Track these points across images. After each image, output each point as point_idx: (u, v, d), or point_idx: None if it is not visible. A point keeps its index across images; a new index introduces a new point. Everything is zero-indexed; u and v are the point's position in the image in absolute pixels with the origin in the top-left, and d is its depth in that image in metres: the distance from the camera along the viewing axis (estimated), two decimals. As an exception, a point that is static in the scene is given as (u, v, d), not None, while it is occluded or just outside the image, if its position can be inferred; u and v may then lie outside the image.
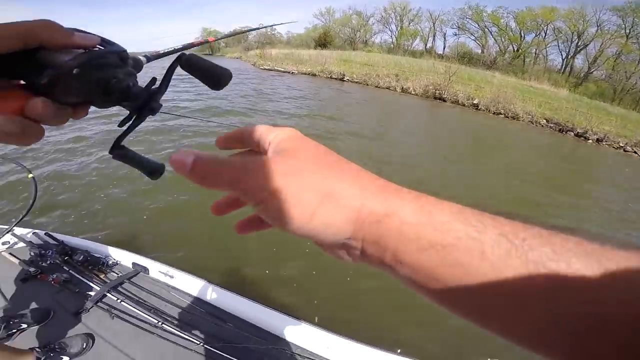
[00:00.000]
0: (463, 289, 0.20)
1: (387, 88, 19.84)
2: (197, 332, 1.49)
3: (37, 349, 1.36)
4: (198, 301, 1.69)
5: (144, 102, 0.32)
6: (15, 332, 1.46)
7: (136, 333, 1.50)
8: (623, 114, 17.59)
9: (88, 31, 0.30)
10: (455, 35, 40.65)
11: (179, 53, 0.36)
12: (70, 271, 1.72)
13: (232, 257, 2.98)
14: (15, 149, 4.60)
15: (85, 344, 1.43)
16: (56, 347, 1.39)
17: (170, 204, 3.79)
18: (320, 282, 2.79)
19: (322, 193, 0.22)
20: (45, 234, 1.94)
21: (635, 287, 0.17)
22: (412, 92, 18.72)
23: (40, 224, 3.16)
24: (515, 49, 36.41)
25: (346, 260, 0.26)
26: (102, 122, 6.60)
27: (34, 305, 1.59)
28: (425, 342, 2.25)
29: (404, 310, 2.39)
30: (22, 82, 0.27)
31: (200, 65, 0.35)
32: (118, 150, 0.33)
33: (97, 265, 1.79)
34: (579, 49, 32.38)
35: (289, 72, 23.26)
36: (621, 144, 12.96)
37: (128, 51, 0.33)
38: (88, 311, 1.57)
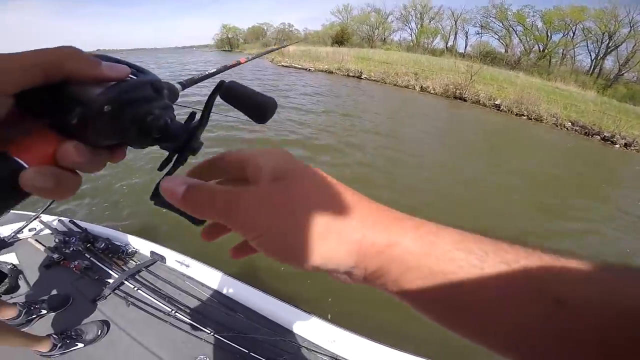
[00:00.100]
0: (464, 314, 0.21)
1: (405, 87, 19.54)
2: (208, 322, 1.53)
3: (54, 335, 1.41)
4: (211, 291, 1.74)
5: (184, 142, 0.29)
6: (34, 318, 1.53)
7: (150, 321, 1.55)
8: (655, 118, 16.69)
9: (116, 57, 0.27)
10: (478, 34, 39.59)
11: (218, 81, 0.33)
12: (92, 258, 1.80)
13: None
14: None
15: (100, 330, 1.49)
16: (72, 333, 1.44)
17: None
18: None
19: (321, 228, 0.22)
20: (69, 221, 2.03)
21: None
22: (432, 92, 18.36)
23: (65, 212, 3.32)
24: (541, 49, 35.10)
25: (347, 282, 0.25)
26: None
27: (54, 291, 1.66)
28: (430, 337, 2.23)
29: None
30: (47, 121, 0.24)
31: (242, 94, 0.32)
32: (159, 197, 0.29)
33: (117, 253, 1.87)
34: (609, 49, 30.89)
35: (306, 69, 23.28)
36: (652, 149, 12.30)
37: (162, 79, 0.30)
38: (105, 298, 1.64)
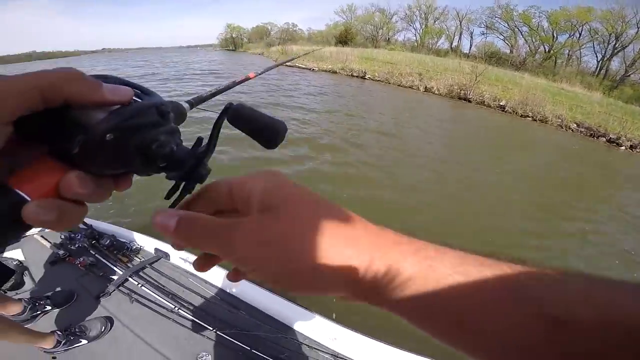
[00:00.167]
0: (464, 334, 0.21)
1: (409, 87, 19.45)
2: (211, 319, 1.55)
3: (58, 332, 1.42)
4: (214, 288, 1.75)
5: (191, 169, 0.28)
6: (39, 314, 1.54)
7: (153, 317, 1.57)
8: (662, 120, 16.51)
9: (116, 77, 0.26)
10: (483, 34, 39.37)
11: (226, 103, 0.32)
12: (96, 255, 1.82)
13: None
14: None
15: (104, 327, 1.50)
16: (76, 330, 1.45)
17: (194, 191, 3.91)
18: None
19: (316, 260, 0.22)
20: (75, 218, 2.05)
21: None
22: (436, 92, 18.25)
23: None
24: (547, 50, 34.84)
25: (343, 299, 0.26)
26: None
27: (59, 287, 1.68)
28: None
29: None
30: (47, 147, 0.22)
31: (250, 117, 0.31)
32: None
33: (121, 249, 1.89)
34: (616, 50, 30.59)
35: (309, 69, 23.28)
36: (658, 151, 12.16)
37: (166, 98, 0.29)
38: (109, 295, 1.66)
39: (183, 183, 0.29)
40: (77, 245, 1.86)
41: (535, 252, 4.05)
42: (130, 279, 1.72)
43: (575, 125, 14.13)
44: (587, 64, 33.69)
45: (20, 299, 1.51)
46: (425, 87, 18.93)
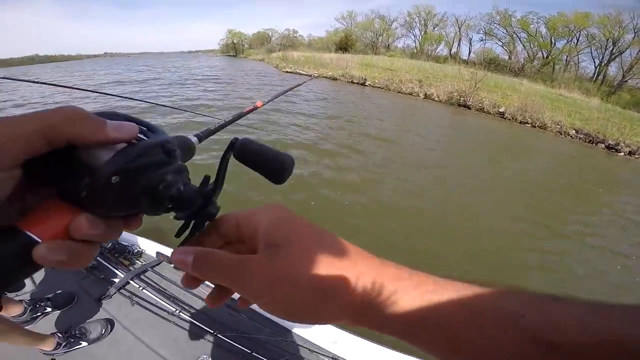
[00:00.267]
0: (461, 358, 0.22)
1: (409, 94, 19.55)
2: (211, 322, 1.55)
3: (58, 334, 1.42)
4: (214, 292, 1.75)
5: (200, 208, 0.28)
6: (39, 316, 1.54)
7: (154, 320, 1.57)
8: (660, 126, 16.56)
9: (121, 113, 0.26)
10: (482, 40, 39.79)
11: (231, 138, 0.31)
12: (98, 257, 1.82)
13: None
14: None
15: (104, 329, 1.50)
16: (76, 332, 1.45)
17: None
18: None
19: (321, 295, 0.23)
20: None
21: None
22: (436, 99, 18.34)
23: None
24: (545, 56, 35.18)
25: None
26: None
27: (60, 289, 1.68)
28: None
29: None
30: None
31: (257, 152, 0.30)
32: None
33: (123, 252, 1.89)
34: (613, 56, 30.88)
35: (310, 76, 23.40)
36: (657, 157, 12.17)
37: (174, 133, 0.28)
38: (110, 297, 1.66)
39: (192, 221, 0.29)
40: (78, 248, 1.86)
41: (534, 255, 4.06)
42: (131, 281, 1.72)
43: (574, 131, 14.19)
44: (585, 70, 34.08)
45: (20, 300, 1.51)
46: (425, 94, 19.03)
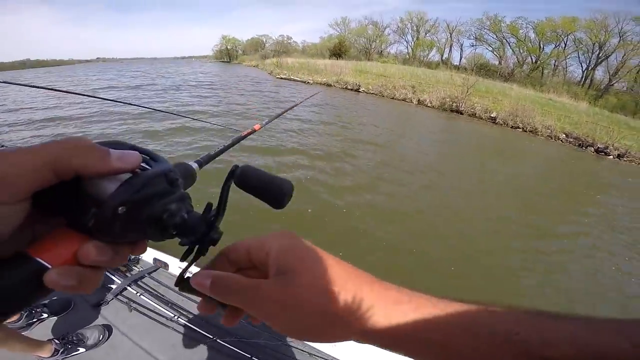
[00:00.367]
0: None
1: (403, 100, 19.73)
2: (210, 327, 1.54)
3: (56, 340, 1.40)
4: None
5: (203, 235, 0.29)
6: (35, 322, 1.52)
7: (152, 326, 1.56)
8: (646, 128, 16.91)
9: (125, 142, 0.27)
10: (472, 46, 40.45)
11: (232, 166, 0.33)
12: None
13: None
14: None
15: (102, 335, 1.48)
16: (74, 338, 1.44)
17: (194, 200, 3.93)
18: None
19: (328, 318, 0.26)
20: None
21: None
22: (429, 105, 18.53)
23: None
24: (534, 61, 35.85)
25: None
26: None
27: (56, 295, 1.65)
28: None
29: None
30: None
31: (256, 179, 0.32)
32: (184, 283, 0.31)
33: (119, 259, 1.88)
34: (600, 60, 31.57)
35: (304, 82, 23.52)
36: (643, 160, 12.40)
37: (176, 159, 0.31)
38: (108, 303, 1.65)
39: (197, 247, 0.30)
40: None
41: (526, 255, 4.11)
42: (128, 287, 1.71)
43: (564, 135, 14.43)
44: (573, 74, 34.73)
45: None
46: (419, 100, 19.22)
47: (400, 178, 6.32)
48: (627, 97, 27.78)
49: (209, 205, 0.30)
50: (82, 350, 1.43)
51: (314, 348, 1.53)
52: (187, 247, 0.30)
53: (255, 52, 54.44)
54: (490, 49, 38.91)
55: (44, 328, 1.52)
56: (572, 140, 14.14)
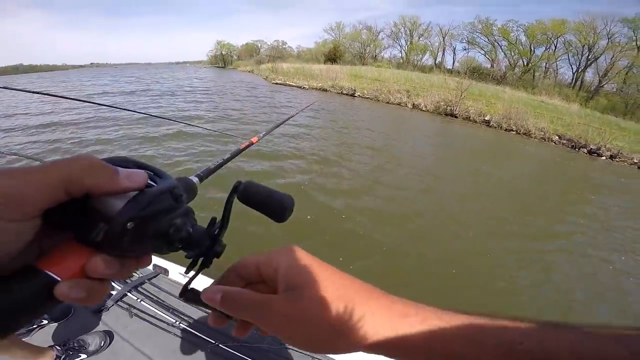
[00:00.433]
0: None
1: (398, 104, 19.80)
2: (213, 332, 1.53)
3: (57, 347, 1.39)
4: (214, 302, 1.74)
5: (207, 248, 0.31)
6: (35, 328, 1.51)
7: (153, 332, 1.55)
8: (636, 129, 17.16)
9: (131, 159, 0.28)
10: (465, 49, 40.98)
11: (235, 182, 0.34)
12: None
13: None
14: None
15: (103, 341, 1.48)
16: (75, 345, 1.43)
17: (193, 206, 3.92)
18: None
19: (337, 332, 0.27)
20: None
21: None
22: (424, 109, 18.62)
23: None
24: (525, 63, 36.37)
25: None
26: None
27: None
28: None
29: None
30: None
31: (259, 194, 0.33)
32: (188, 294, 0.32)
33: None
34: (589, 62, 32.10)
35: (300, 87, 23.56)
36: (635, 160, 12.54)
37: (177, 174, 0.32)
38: (108, 309, 1.64)
39: (201, 259, 0.32)
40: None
41: (522, 255, 4.15)
42: (129, 293, 1.70)
43: (557, 137, 14.59)
44: (564, 76, 35.25)
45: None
46: (413, 104, 19.33)
47: (397, 182, 6.35)
48: (617, 98, 28.27)
49: (213, 219, 0.32)
50: (83, 356, 1.42)
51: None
52: (191, 259, 0.31)
53: (250, 57, 54.58)
54: (483, 52, 39.59)
55: (44, 334, 1.51)
56: (565, 141, 14.29)
